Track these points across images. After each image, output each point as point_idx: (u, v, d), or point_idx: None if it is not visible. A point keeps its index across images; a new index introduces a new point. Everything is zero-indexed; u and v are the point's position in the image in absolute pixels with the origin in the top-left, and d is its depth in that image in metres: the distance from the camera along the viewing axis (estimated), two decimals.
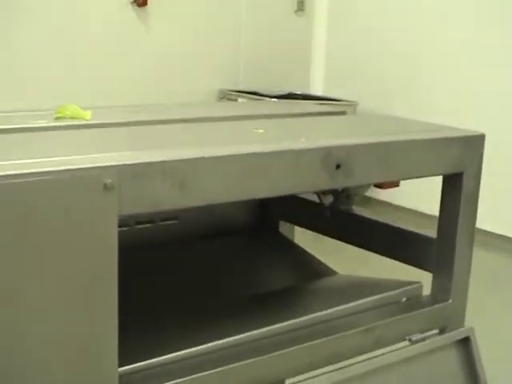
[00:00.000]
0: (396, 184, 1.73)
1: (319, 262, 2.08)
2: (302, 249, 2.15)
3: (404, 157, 1.56)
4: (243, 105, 3.65)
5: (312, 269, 2.05)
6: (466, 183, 1.70)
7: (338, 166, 1.44)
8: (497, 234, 4.81)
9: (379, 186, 1.74)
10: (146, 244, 2.05)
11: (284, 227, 2.26)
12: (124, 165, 1.17)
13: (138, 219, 2.03)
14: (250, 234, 2.22)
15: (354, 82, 5.56)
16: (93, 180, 1.14)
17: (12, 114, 1.76)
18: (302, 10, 5.90)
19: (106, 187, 1.15)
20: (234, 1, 5.54)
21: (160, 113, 1.92)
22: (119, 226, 1.19)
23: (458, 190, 1.71)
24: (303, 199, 2.13)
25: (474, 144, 1.70)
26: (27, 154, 1.19)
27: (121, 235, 1.19)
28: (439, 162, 1.64)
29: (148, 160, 1.20)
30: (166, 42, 5.17)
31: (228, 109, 2.37)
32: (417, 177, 1.62)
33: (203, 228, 2.16)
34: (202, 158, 1.26)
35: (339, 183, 1.46)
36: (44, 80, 4.61)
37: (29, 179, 1.08)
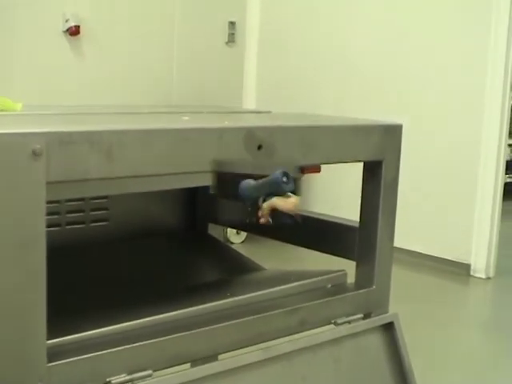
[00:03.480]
0: (317, 170, 1.79)
1: (248, 259, 2.12)
2: (230, 247, 2.20)
3: (325, 141, 1.63)
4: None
5: (240, 265, 2.10)
6: (386, 171, 1.77)
7: (259, 147, 1.50)
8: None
9: (301, 170, 1.80)
10: (77, 245, 2.07)
11: (214, 230, 2.31)
12: (52, 132, 1.21)
13: (68, 219, 2.06)
14: (180, 235, 2.26)
15: (284, 104, 5.65)
16: (21, 145, 1.17)
17: None
18: (233, 41, 6.01)
19: (34, 153, 1.18)
20: (166, 32, 5.62)
21: (94, 108, 1.97)
22: (49, 226, 1.22)
23: (378, 178, 1.78)
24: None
25: (392, 133, 1.77)
26: None
27: (51, 235, 1.22)
28: (359, 149, 1.71)
29: (75, 129, 1.25)
30: (98, 69, 5.21)
31: (159, 109, 2.43)
32: (337, 162, 1.68)
33: (133, 230, 2.19)
34: (127, 130, 1.31)
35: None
36: None
37: None
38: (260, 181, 1.51)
